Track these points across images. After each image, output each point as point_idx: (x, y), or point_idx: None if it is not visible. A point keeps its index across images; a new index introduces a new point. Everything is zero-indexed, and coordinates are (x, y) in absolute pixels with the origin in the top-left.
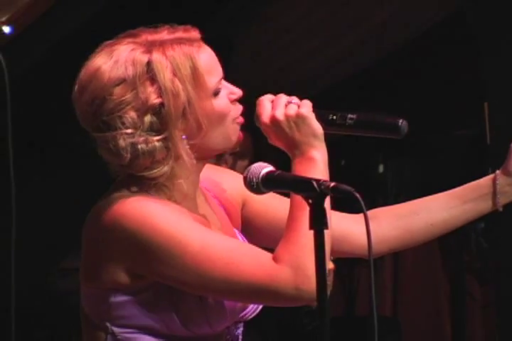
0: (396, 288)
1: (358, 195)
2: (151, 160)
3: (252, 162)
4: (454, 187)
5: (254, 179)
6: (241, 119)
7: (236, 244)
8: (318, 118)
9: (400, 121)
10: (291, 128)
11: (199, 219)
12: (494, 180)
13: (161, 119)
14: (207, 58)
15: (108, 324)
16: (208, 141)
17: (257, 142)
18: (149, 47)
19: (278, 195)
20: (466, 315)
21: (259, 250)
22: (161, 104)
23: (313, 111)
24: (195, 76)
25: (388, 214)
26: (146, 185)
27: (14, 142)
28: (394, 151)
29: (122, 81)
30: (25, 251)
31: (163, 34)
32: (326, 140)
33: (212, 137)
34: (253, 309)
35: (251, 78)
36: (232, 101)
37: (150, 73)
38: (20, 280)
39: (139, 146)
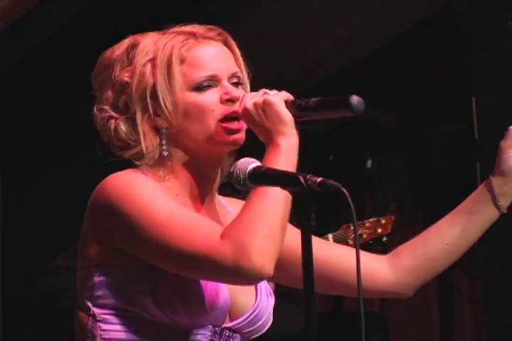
0: None
1: (345, 191)
2: (121, 141)
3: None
4: (442, 181)
5: (241, 175)
6: (233, 124)
7: (196, 217)
8: (288, 106)
9: (352, 96)
10: (260, 116)
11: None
12: (490, 184)
13: (129, 100)
14: (202, 54)
15: (90, 304)
16: (189, 135)
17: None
18: (154, 34)
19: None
20: (454, 309)
21: (216, 225)
22: (128, 84)
23: (287, 102)
24: (169, 64)
25: (406, 247)
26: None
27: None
28: (382, 146)
29: (109, 63)
30: (16, 250)
31: (183, 27)
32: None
33: (192, 132)
34: (248, 321)
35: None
36: (224, 102)
37: (131, 55)
38: (10, 279)
39: (109, 123)
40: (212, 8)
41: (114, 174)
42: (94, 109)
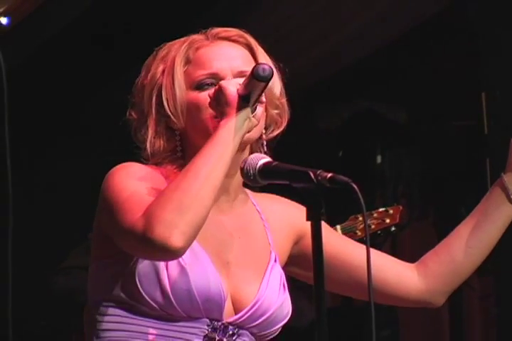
0: None
1: (355, 186)
2: (140, 141)
3: None
4: (452, 177)
5: (252, 170)
6: None
7: (144, 194)
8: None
9: (257, 65)
10: (218, 101)
11: None
12: (502, 182)
13: (143, 101)
14: (206, 53)
15: (91, 296)
16: (191, 132)
17: None
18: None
19: (335, 232)
20: (464, 305)
21: (148, 203)
22: (145, 87)
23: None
24: (174, 66)
25: (431, 255)
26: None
27: (11, 135)
28: (391, 142)
29: (142, 68)
30: (26, 249)
31: (209, 29)
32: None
33: (194, 129)
34: (249, 315)
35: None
36: None
37: (151, 60)
38: (20, 278)
39: (132, 125)
40: (211, 12)
41: (117, 165)
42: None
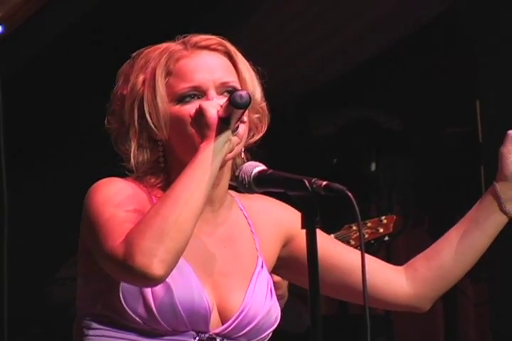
0: None
1: (350, 194)
2: (122, 152)
3: None
4: (446, 184)
5: (247, 178)
6: None
7: (125, 217)
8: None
9: (236, 92)
10: (198, 122)
11: None
12: (494, 190)
13: (123, 112)
14: (187, 65)
15: (78, 311)
16: (175, 146)
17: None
18: (155, 47)
19: (327, 236)
20: (459, 312)
21: (129, 228)
22: (124, 97)
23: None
24: (155, 78)
25: (420, 260)
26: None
27: (6, 143)
28: (386, 149)
29: (118, 76)
30: (20, 259)
31: (184, 37)
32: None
33: (179, 143)
34: (235, 325)
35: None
36: None
37: (130, 69)
38: (15, 289)
39: (112, 135)
40: (212, 15)
41: (99, 181)
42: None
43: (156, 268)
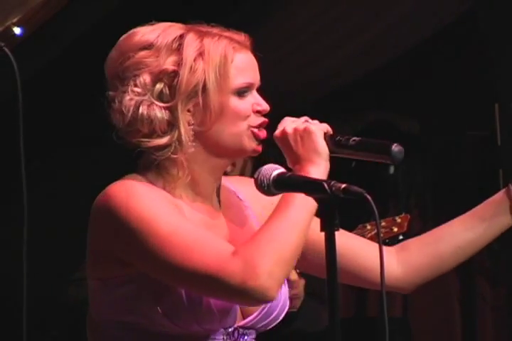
0: None
1: (369, 197)
2: (150, 128)
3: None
4: (465, 187)
5: (266, 180)
6: (262, 132)
7: (204, 234)
8: (327, 139)
9: (394, 145)
10: (296, 142)
11: (204, 218)
12: (508, 192)
13: (171, 90)
14: (243, 59)
15: (95, 316)
16: (218, 136)
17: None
18: (190, 29)
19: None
20: (477, 316)
21: (224, 243)
22: (175, 74)
23: (326, 135)
24: (222, 65)
25: (416, 243)
26: (152, 173)
27: (25, 144)
28: (405, 152)
29: (150, 45)
30: (38, 261)
31: (213, 29)
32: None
33: (223, 134)
34: (260, 317)
35: (263, 77)
36: (255, 112)
37: (178, 45)
38: (33, 290)
39: (141, 108)
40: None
41: (116, 184)
42: (123, 89)
43: (275, 291)
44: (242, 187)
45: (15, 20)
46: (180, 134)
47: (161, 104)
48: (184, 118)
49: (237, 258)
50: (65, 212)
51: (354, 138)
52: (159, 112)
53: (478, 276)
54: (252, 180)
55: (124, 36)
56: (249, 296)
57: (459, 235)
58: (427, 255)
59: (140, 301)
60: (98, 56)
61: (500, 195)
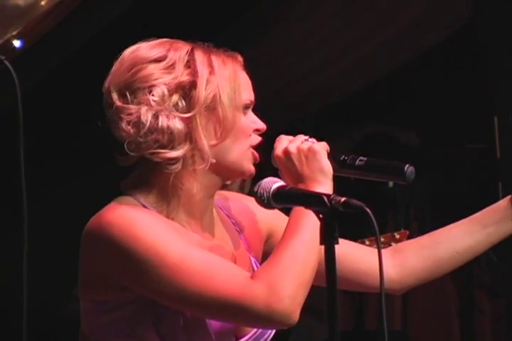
0: (405, 301)
1: (368, 210)
2: (167, 138)
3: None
4: (464, 200)
5: (265, 194)
6: (255, 154)
7: (215, 259)
8: (331, 158)
9: (407, 166)
10: (301, 162)
11: (199, 239)
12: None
13: (187, 102)
14: (244, 77)
15: (90, 336)
16: (223, 153)
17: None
18: (195, 45)
19: None
20: (476, 329)
21: (237, 267)
22: (191, 86)
23: (328, 152)
24: (233, 80)
25: (413, 246)
26: (144, 195)
27: (26, 156)
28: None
29: (162, 58)
30: (39, 274)
31: (210, 47)
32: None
33: (229, 150)
34: (254, 338)
35: (263, 88)
36: (254, 131)
37: (190, 59)
38: (33, 303)
39: (160, 118)
40: (224, 33)
41: (111, 210)
42: (137, 100)
43: (297, 315)
44: (227, 203)
45: (15, 32)
46: (199, 146)
47: (181, 115)
48: (201, 129)
49: (259, 282)
50: (66, 224)
51: (361, 158)
52: (178, 122)
53: (476, 289)
54: (238, 194)
55: (128, 50)
56: (275, 320)
57: (458, 240)
58: (423, 258)
59: (138, 324)
60: (98, 68)
61: (503, 202)
